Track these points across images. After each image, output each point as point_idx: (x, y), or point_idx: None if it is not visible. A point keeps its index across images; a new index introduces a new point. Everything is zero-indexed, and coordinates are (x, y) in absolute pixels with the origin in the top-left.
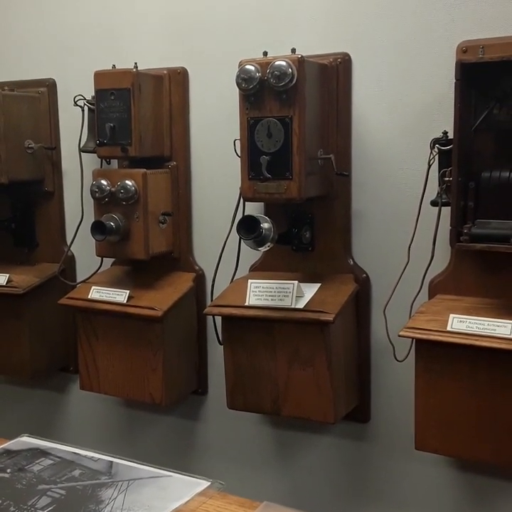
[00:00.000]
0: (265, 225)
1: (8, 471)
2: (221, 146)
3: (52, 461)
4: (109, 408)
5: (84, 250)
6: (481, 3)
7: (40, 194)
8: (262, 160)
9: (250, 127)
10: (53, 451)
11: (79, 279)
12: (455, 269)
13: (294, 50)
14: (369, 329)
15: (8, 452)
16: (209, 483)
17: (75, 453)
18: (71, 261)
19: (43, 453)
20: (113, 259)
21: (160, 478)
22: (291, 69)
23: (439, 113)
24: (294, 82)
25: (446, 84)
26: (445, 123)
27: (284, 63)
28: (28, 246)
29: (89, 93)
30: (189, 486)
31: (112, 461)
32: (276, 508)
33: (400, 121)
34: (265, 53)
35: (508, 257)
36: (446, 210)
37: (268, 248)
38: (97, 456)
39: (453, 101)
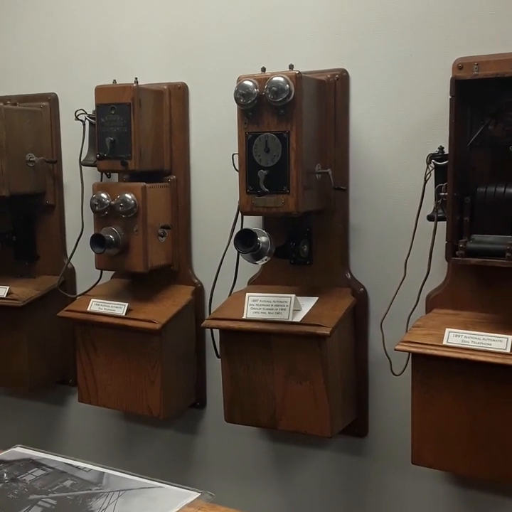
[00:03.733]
0: (262, 239)
1: (1, 480)
2: (220, 160)
3: (44, 472)
4: (108, 421)
5: (84, 263)
6: (477, 20)
7: (41, 207)
8: (260, 174)
9: (248, 142)
10: (46, 461)
11: (79, 291)
12: (452, 284)
13: (291, 66)
14: (366, 343)
15: (1, 462)
16: (199, 494)
17: (67, 464)
18: (71, 273)
19: (36, 463)
20: (113, 272)
21: (150, 489)
22: (289, 85)
23: (435, 128)
24: (291, 97)
25: (443, 100)
26: (441, 138)
27: (281, 79)
28: (29, 259)
29: (91, 107)
30: (179, 497)
31: (103, 472)
32: None
33: (397, 137)
34: (263, 69)
35: (503, 272)
36: (443, 225)
37: (265, 261)
38: (89, 466)
39: (448, 117)
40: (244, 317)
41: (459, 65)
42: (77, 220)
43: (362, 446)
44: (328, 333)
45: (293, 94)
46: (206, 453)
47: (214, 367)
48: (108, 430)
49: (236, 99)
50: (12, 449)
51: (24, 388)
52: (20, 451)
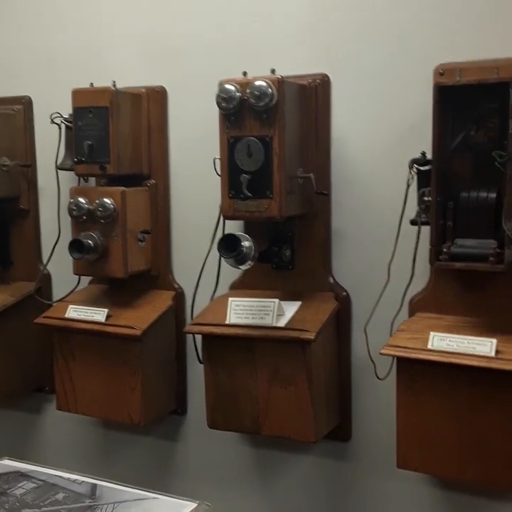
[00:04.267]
0: (246, 244)
1: None
2: (200, 164)
3: (34, 485)
4: (86, 429)
5: (60, 269)
6: (457, 26)
7: (15, 212)
8: (243, 179)
9: (230, 146)
10: (35, 474)
11: (55, 297)
12: (435, 288)
13: (273, 71)
14: (349, 347)
15: None
16: (195, 505)
17: (57, 476)
18: (47, 279)
19: (25, 476)
20: (90, 278)
21: (145, 500)
22: (271, 89)
23: (416, 134)
24: (274, 102)
25: (424, 105)
26: (423, 144)
27: (264, 83)
28: (2, 264)
29: (66, 111)
30: (175, 508)
31: (95, 484)
32: None
33: (378, 142)
34: (245, 73)
35: (487, 276)
36: (426, 229)
37: (249, 266)
38: (80, 478)
39: (431, 122)
40: (227, 322)
41: (441, 71)
42: (52, 225)
43: (345, 450)
44: (312, 337)
45: (275, 98)
46: (188, 460)
47: (194, 373)
48: (86, 438)
49: (218, 104)
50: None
51: None
52: (7, 463)
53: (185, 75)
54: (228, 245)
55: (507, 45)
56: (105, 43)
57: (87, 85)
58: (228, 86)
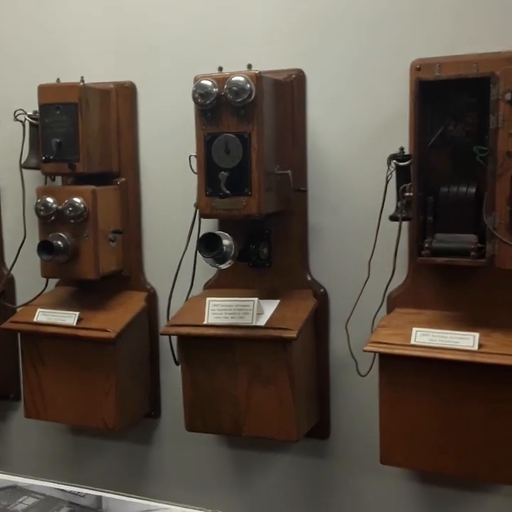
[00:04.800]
0: (226, 242)
1: None
2: (171, 161)
3: (35, 499)
4: (54, 436)
5: (23, 271)
6: (433, 22)
7: None
8: (221, 176)
9: (207, 143)
10: (33, 488)
11: (19, 302)
12: (413, 283)
13: (250, 66)
14: (328, 344)
15: None
16: None
17: (57, 489)
18: (10, 283)
19: (23, 491)
20: (56, 280)
21: (156, 511)
22: (249, 84)
23: (393, 129)
24: (252, 97)
25: (401, 100)
26: (400, 139)
27: (242, 79)
28: None
29: (30, 107)
30: None
31: (100, 496)
32: None
33: (355, 137)
34: (220, 68)
35: (466, 270)
36: (404, 225)
37: (229, 265)
38: (83, 491)
39: (407, 117)
40: (205, 322)
41: (417, 66)
42: (15, 227)
43: (324, 448)
44: (294, 336)
45: (254, 94)
46: (163, 463)
47: (168, 375)
48: (55, 445)
49: (194, 99)
50: None
51: None
52: (1, 477)
53: (156, 70)
54: (208, 244)
55: (483, 40)
56: (71, 38)
57: (51, 81)
58: (205, 81)
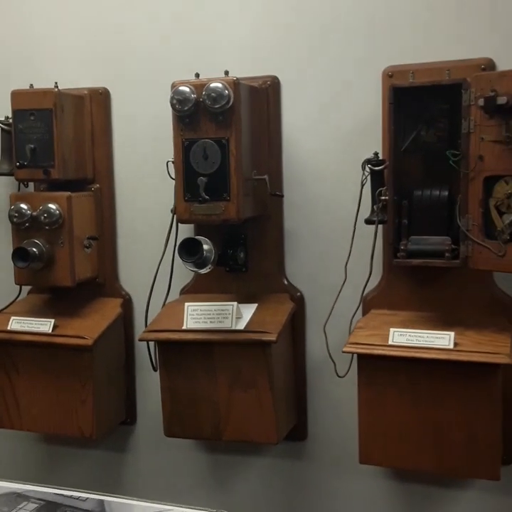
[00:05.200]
0: (206, 247)
1: None
2: (146, 167)
3: (36, 505)
4: (26, 445)
5: None
6: (404, 31)
7: None
8: (200, 182)
9: (185, 149)
10: (32, 493)
11: None
12: (388, 285)
13: (227, 73)
14: (304, 347)
15: None
16: None
17: (57, 494)
18: None
19: (23, 497)
20: (27, 288)
21: None
22: (228, 91)
23: (367, 134)
24: (230, 103)
25: (373, 106)
26: (373, 144)
27: (220, 85)
28: None
29: (1, 113)
30: None
31: (102, 500)
32: None
33: (329, 143)
34: (197, 75)
35: (439, 272)
36: (375, 228)
37: (208, 270)
38: (84, 495)
39: (380, 123)
40: (184, 327)
41: (389, 73)
42: None
43: (302, 450)
44: (274, 339)
45: (232, 100)
46: (140, 470)
47: (143, 381)
48: (28, 455)
49: (172, 105)
50: None
51: None
52: None
53: (129, 76)
54: (189, 249)
55: (453, 48)
56: (43, 43)
57: (23, 87)
58: (183, 88)
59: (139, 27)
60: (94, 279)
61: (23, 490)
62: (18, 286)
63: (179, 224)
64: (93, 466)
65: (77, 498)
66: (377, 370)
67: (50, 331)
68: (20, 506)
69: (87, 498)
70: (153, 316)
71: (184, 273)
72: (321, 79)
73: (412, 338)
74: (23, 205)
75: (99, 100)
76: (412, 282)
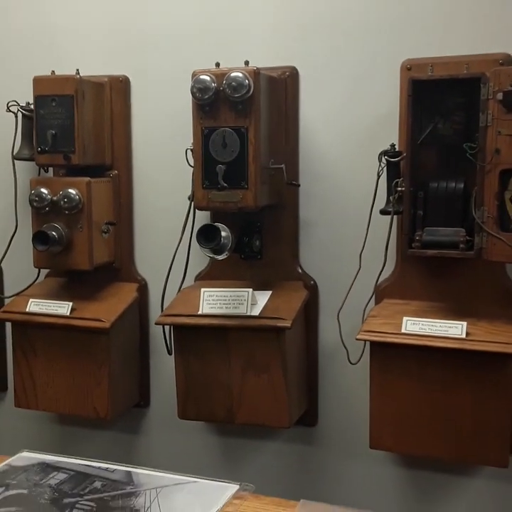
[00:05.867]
0: (224, 234)
1: (25, 486)
2: (163, 155)
3: (66, 475)
4: (40, 426)
5: (11, 262)
6: (423, 25)
7: None
8: (219, 169)
9: (205, 137)
10: (62, 464)
11: (7, 292)
12: (401, 275)
13: (247, 62)
14: (317, 334)
15: (15, 468)
16: (238, 486)
17: (86, 465)
18: None
19: (53, 467)
20: (45, 271)
21: (186, 484)
22: (248, 80)
23: (383, 126)
24: (250, 93)
25: (391, 98)
26: (389, 136)
27: (240, 74)
28: None
29: (23, 99)
30: (219, 491)
31: (130, 471)
32: (313, 505)
33: (346, 134)
34: (217, 64)
35: (453, 263)
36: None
37: (225, 256)
38: (112, 466)
39: (397, 115)
40: (200, 312)
41: (408, 66)
42: (5, 218)
43: (312, 435)
44: (289, 325)
45: (252, 89)
46: (152, 452)
47: (157, 365)
48: (42, 435)
49: (193, 94)
50: (19, 455)
51: None
52: (28, 455)
53: (149, 64)
54: (207, 235)
55: (472, 42)
56: (65, 30)
57: (44, 73)
58: (203, 76)
59: (160, 15)
60: (111, 264)
61: (54, 461)
62: (36, 269)
63: (196, 211)
64: (106, 447)
65: (106, 469)
66: (390, 357)
67: (68, 313)
68: (50, 475)
69: (115, 470)
70: (169, 301)
71: (199, 259)
72: (339, 70)
73: (424, 327)
74: (43, 190)
75: (119, 88)
76: (426, 273)
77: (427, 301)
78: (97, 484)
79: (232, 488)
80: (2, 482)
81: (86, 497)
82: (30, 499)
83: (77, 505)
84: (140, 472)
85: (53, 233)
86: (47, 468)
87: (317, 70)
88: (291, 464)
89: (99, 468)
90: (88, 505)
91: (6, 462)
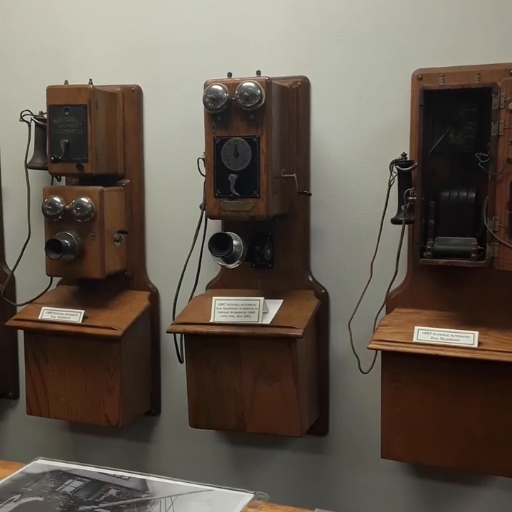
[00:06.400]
0: (236, 243)
1: (40, 494)
2: (176, 163)
3: (81, 482)
4: (52, 434)
5: (23, 270)
6: (433, 34)
7: None
8: (231, 178)
9: (217, 146)
10: (77, 472)
11: (19, 301)
12: (412, 284)
13: (259, 72)
14: (328, 343)
15: (29, 476)
16: (253, 495)
17: (101, 473)
18: (11, 281)
19: (68, 475)
20: (57, 279)
21: (201, 493)
22: (260, 90)
23: (394, 135)
24: (262, 103)
25: (402, 108)
26: (400, 145)
27: (253, 84)
28: None
29: (35, 108)
30: (234, 499)
31: (144, 479)
32: None
33: (356, 143)
34: (230, 74)
35: (464, 272)
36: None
37: (237, 265)
38: (126, 474)
39: (407, 124)
40: (211, 321)
41: (419, 76)
42: (16, 226)
43: (323, 444)
44: (300, 334)
45: (264, 99)
46: (163, 460)
47: (168, 373)
48: (53, 443)
49: (205, 103)
50: (34, 462)
51: None
52: (42, 463)
53: (162, 74)
54: (218, 244)
55: (483, 52)
56: (77, 40)
57: (57, 83)
58: (216, 86)
59: (171, 25)
60: (123, 272)
61: (68, 468)
62: (48, 277)
63: (207, 220)
64: (117, 454)
65: (120, 477)
66: (401, 367)
67: (81, 321)
68: (65, 483)
69: (130, 478)
70: (180, 310)
71: (210, 268)
72: (350, 80)
73: (436, 337)
74: (56, 199)
75: (132, 97)
76: (437, 282)
77: (438, 311)
78: (112, 492)
79: (247, 496)
80: (17, 489)
81: (101, 505)
82: (45, 507)
83: None
84: (155, 480)
85: (66, 242)
86: (62, 475)
87: (328, 79)
88: (302, 473)
89: (114, 475)
90: None
91: (21, 470)
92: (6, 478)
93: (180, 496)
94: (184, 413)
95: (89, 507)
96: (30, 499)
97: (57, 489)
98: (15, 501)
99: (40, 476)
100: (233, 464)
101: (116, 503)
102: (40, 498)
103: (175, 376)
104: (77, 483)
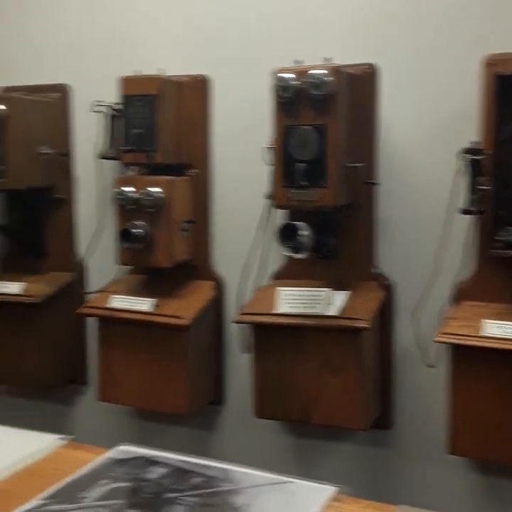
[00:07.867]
0: (304, 233)
1: (126, 479)
2: (242, 153)
3: (164, 470)
4: (119, 420)
5: (94, 259)
6: (506, 17)
7: (50, 201)
8: (299, 167)
9: (284, 135)
10: (159, 459)
11: (90, 288)
12: (480, 276)
13: (328, 59)
14: (392, 336)
15: (114, 461)
16: (335, 488)
17: (183, 461)
18: (83, 270)
19: (151, 462)
20: (124, 268)
21: (283, 484)
22: (329, 78)
23: (463, 123)
24: (331, 91)
25: (470, 94)
26: (470, 133)
27: (322, 72)
28: (37, 254)
29: (105, 98)
30: (316, 492)
31: (226, 468)
32: (411, 511)
33: (425, 131)
34: (298, 62)
35: None
36: (470, 218)
37: (305, 255)
38: (208, 463)
39: (477, 111)
40: (277, 311)
41: (491, 62)
42: (88, 215)
43: (387, 438)
44: (367, 326)
45: (333, 87)
46: (226, 449)
47: (232, 363)
48: (120, 429)
49: (274, 91)
50: (116, 448)
51: (36, 387)
52: (126, 449)
53: (229, 63)
54: (287, 234)
55: None
56: (146, 30)
57: (125, 73)
58: (285, 74)
59: (238, 15)
60: (189, 262)
61: (151, 455)
62: (117, 266)
63: (273, 210)
64: (181, 443)
65: (203, 466)
66: (471, 361)
67: (151, 310)
68: (148, 470)
69: (213, 467)
70: (245, 299)
71: (275, 259)
72: (418, 66)
73: (508, 331)
74: (127, 188)
75: (199, 87)
76: (506, 274)
77: (508, 304)
78: (196, 480)
79: (329, 489)
80: (106, 475)
81: (186, 493)
82: (131, 492)
83: (177, 501)
84: (237, 470)
85: (137, 231)
86: (145, 462)
87: (396, 66)
88: (366, 466)
89: (196, 464)
90: (190, 501)
91: (106, 455)
92: (91, 463)
93: (262, 486)
94: (247, 403)
95: (174, 495)
96: (117, 484)
97: (140, 475)
98: (103, 485)
99: (124, 461)
100: (296, 456)
101: (200, 491)
102: (125, 484)
103: (238, 366)
104: (160, 471)
